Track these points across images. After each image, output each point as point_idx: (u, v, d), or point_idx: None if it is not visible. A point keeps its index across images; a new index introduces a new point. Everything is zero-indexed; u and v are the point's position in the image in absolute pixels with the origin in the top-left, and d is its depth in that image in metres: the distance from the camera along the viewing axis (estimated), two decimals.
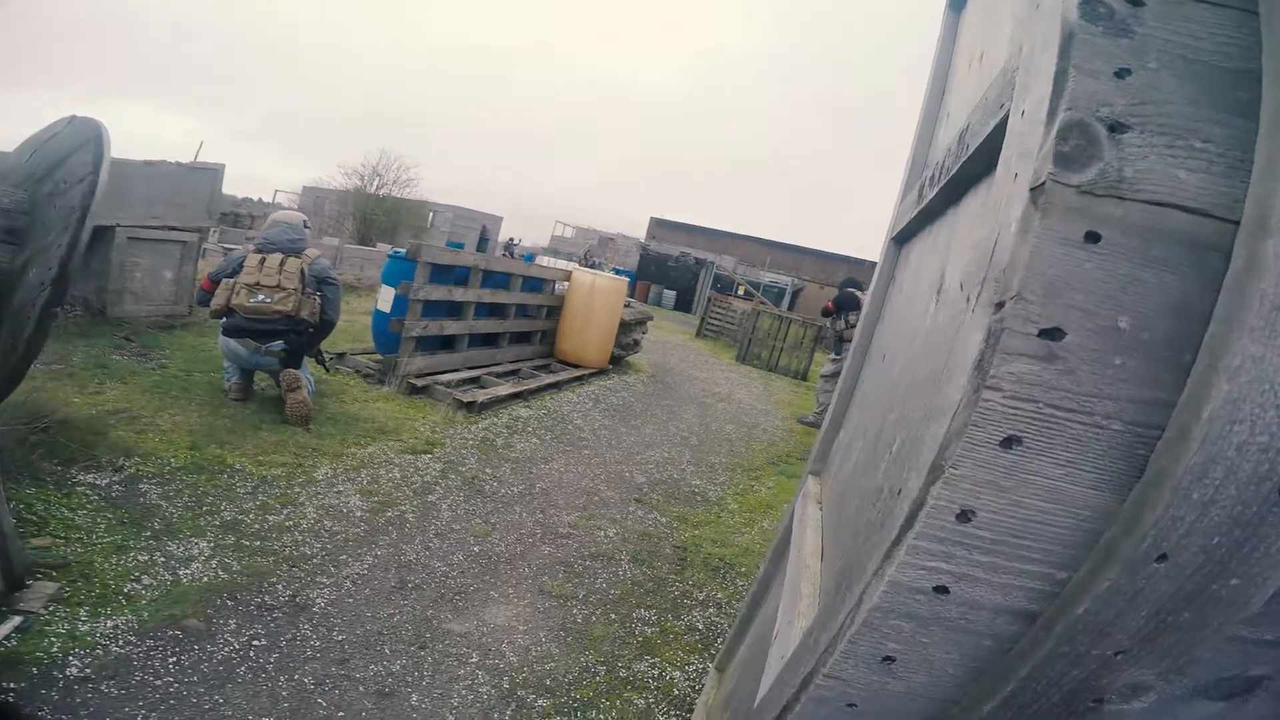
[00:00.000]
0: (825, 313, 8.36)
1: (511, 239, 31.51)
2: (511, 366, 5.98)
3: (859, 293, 7.62)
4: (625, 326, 7.59)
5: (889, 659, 0.62)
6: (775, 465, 5.09)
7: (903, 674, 0.63)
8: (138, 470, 2.73)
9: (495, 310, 5.83)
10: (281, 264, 3.73)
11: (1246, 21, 0.58)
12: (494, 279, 5.67)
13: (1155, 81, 0.54)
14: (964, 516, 0.56)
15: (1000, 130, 0.70)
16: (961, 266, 0.88)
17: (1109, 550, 0.53)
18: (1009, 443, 0.54)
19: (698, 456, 4.82)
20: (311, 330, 3.87)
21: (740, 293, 23.37)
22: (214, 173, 5.44)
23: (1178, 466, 0.49)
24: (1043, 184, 0.52)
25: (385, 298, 5.02)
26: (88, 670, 1.66)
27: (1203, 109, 0.54)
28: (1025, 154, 0.57)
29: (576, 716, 1.91)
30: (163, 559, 2.21)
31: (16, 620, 1.77)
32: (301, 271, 3.77)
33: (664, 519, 3.42)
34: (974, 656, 0.61)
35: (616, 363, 7.69)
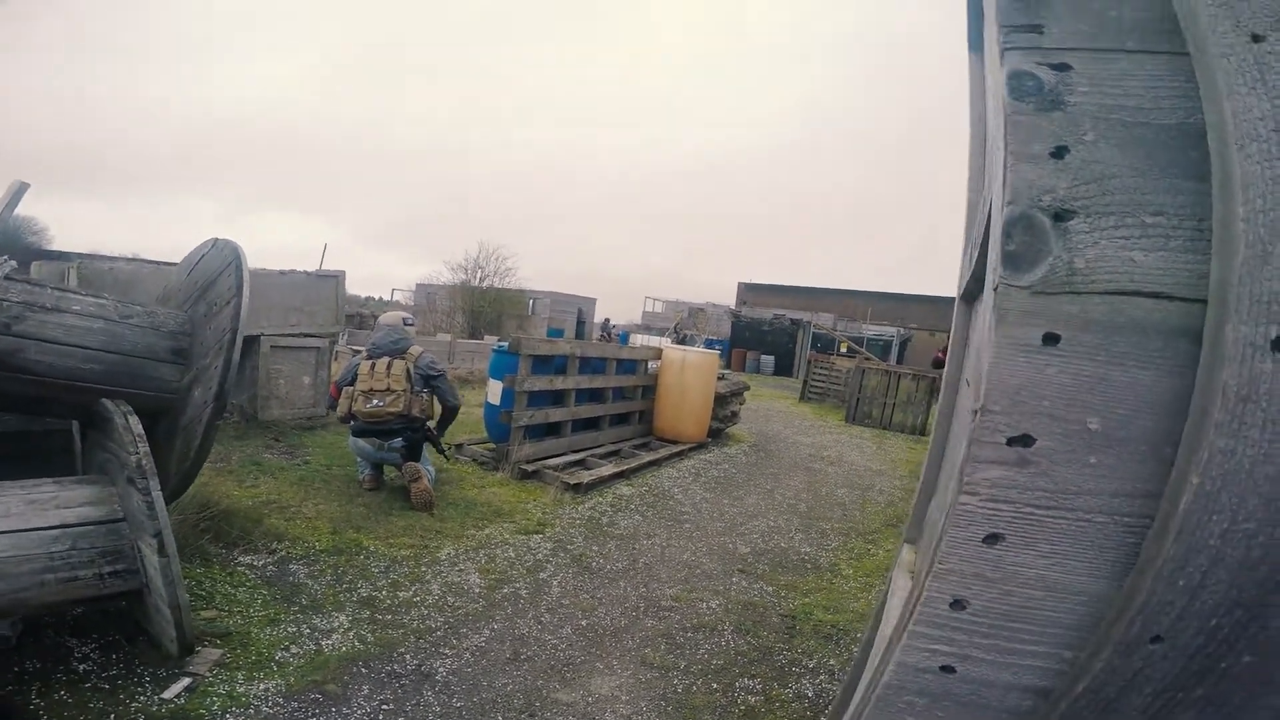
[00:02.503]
0: (936, 363, 7.98)
1: (607, 319, 32.63)
2: (613, 447, 6.17)
3: None
4: (721, 399, 7.65)
5: None
6: (894, 527, 4.85)
7: None
8: (288, 552, 3.10)
9: (594, 395, 6.10)
10: (389, 367, 4.13)
11: (1181, 66, 0.53)
12: (590, 365, 5.96)
13: (1095, 155, 0.50)
14: (958, 605, 0.59)
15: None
16: (973, 360, 0.91)
17: (1104, 633, 0.54)
18: (992, 539, 0.56)
19: (806, 523, 4.70)
20: (425, 425, 4.23)
21: (843, 350, 22.53)
22: (336, 279, 6.11)
23: (1159, 556, 0.49)
24: (996, 287, 0.52)
25: (494, 391, 5.42)
26: None
27: (1150, 178, 0.50)
28: (995, 255, 0.55)
29: None
30: (308, 630, 2.48)
31: (186, 681, 2.06)
32: (408, 371, 4.15)
33: (770, 588, 3.36)
34: None
35: (716, 435, 7.71)
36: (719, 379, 7.71)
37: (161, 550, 2.02)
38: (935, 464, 1.66)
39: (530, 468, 4.97)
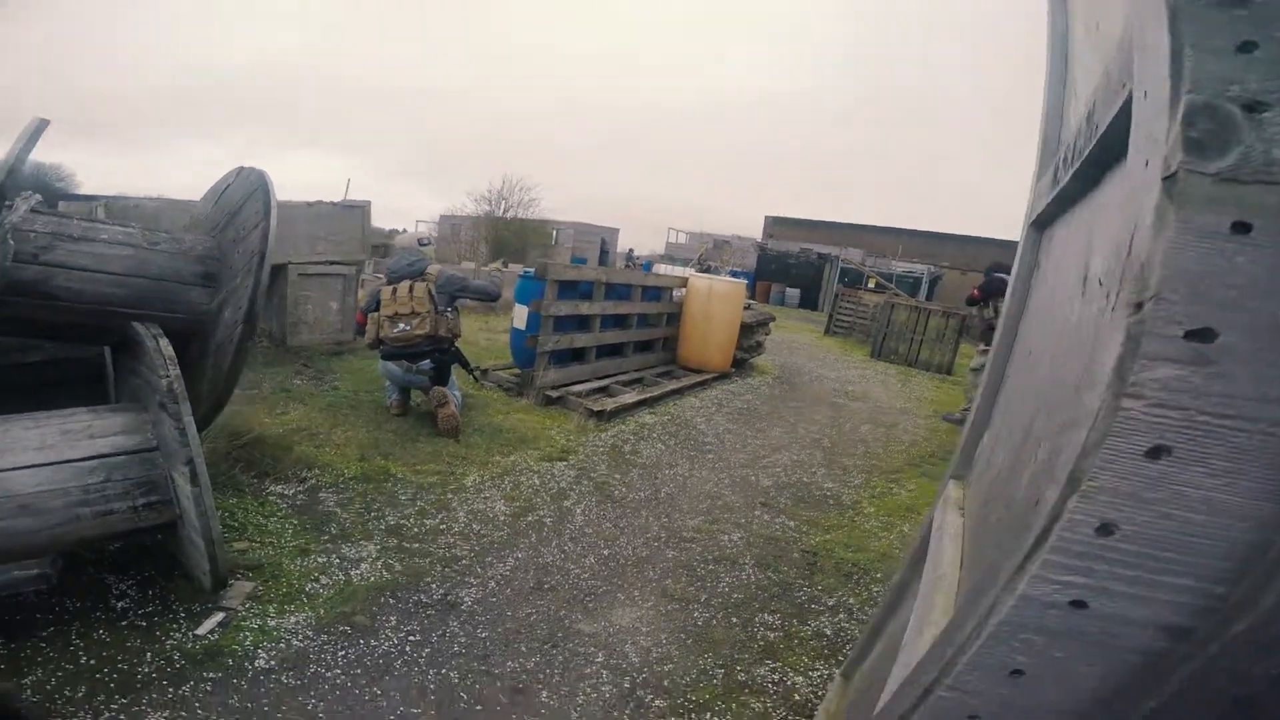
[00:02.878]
0: (971, 300, 7.74)
1: (630, 250, 32.17)
2: (637, 374, 6.15)
3: (1008, 277, 6.97)
4: (746, 329, 7.52)
5: (1018, 672, 0.60)
6: (917, 467, 4.81)
7: (1032, 688, 0.61)
8: (318, 480, 3.15)
9: (619, 321, 6.04)
10: (411, 289, 4.09)
11: None
12: (616, 291, 5.87)
13: None
14: (1105, 530, 0.53)
15: (1126, 112, 0.66)
16: (1103, 259, 0.82)
17: (1277, 562, 0.49)
18: (1156, 453, 0.51)
19: (829, 459, 4.68)
20: (453, 346, 4.23)
21: (871, 285, 22.10)
22: (362, 209, 6.06)
23: None
24: (1174, 174, 0.49)
25: (520, 315, 5.37)
26: (273, 662, 1.95)
27: None
28: (1154, 140, 0.54)
29: (691, 718, 1.95)
30: (338, 560, 2.53)
31: (220, 616, 2.11)
32: (429, 292, 4.12)
33: (792, 523, 3.37)
34: (1116, 672, 0.58)
35: (740, 365, 7.64)
36: (745, 309, 7.56)
37: (194, 479, 2.03)
38: (990, 398, 1.61)
39: (555, 394, 4.98)
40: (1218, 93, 0.48)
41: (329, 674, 1.94)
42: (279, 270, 5.21)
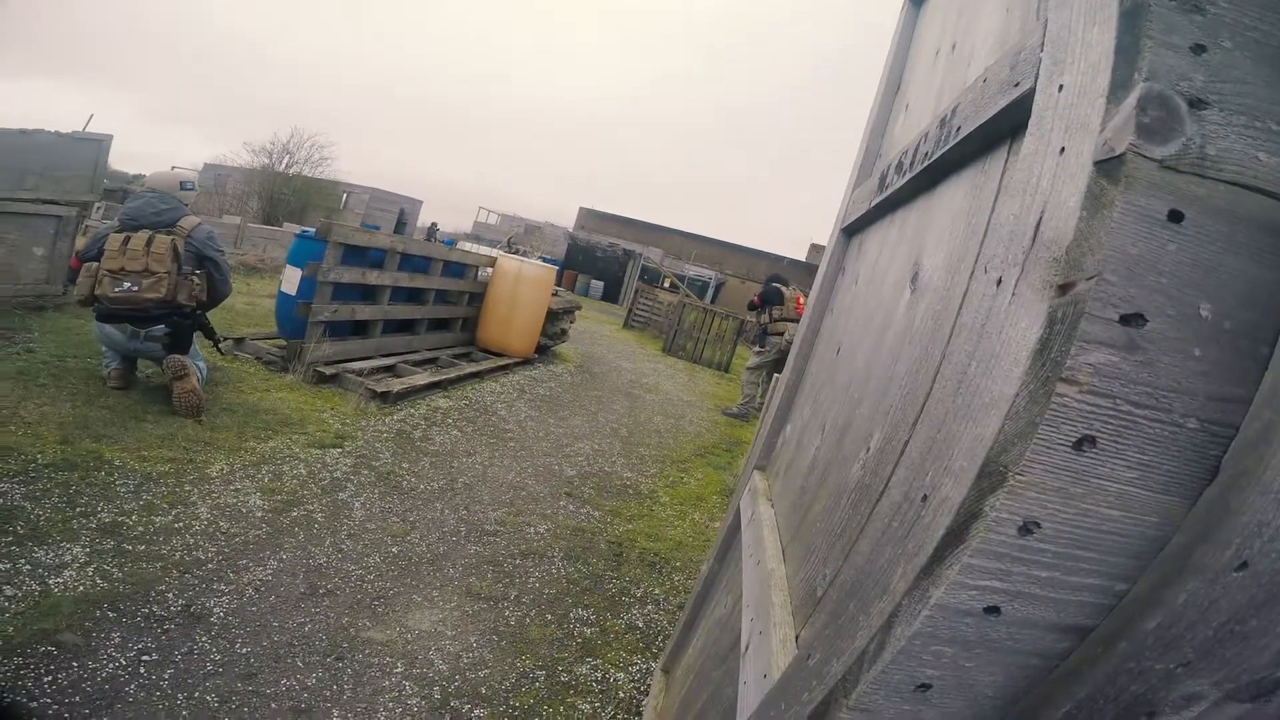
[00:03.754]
0: (751, 306, 8.58)
1: (433, 224, 30.51)
2: (429, 355, 5.73)
3: (783, 288, 7.88)
4: (553, 315, 7.46)
5: (924, 686, 0.57)
6: (703, 457, 5.14)
7: (938, 701, 0.58)
8: None
9: (413, 295, 5.57)
10: (149, 243, 3.28)
11: None
12: (412, 263, 5.41)
13: (1231, 60, 0.52)
14: (1026, 529, 0.50)
15: (1017, 107, 0.69)
16: (943, 254, 0.86)
17: (1183, 559, 0.49)
18: (1082, 444, 0.49)
19: (627, 448, 4.79)
20: (196, 311, 3.51)
21: (666, 285, 23.67)
22: (99, 144, 4.93)
23: (1262, 467, 0.46)
24: (1120, 155, 0.49)
25: (291, 279, 4.67)
26: None
27: (1278, 91, 0.52)
28: (1078, 126, 0.54)
29: None
30: (28, 567, 1.95)
31: None
32: (174, 248, 3.33)
33: (597, 513, 3.37)
34: (1018, 677, 0.57)
35: (543, 352, 7.55)
36: (552, 295, 7.47)
37: None
38: (790, 393, 1.70)
39: (329, 371, 4.40)
40: (1171, 85, 0.49)
41: (34, 704, 1.48)
42: None
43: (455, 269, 6.23)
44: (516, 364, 6.62)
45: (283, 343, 4.74)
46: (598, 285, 27.04)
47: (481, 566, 2.58)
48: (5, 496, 2.27)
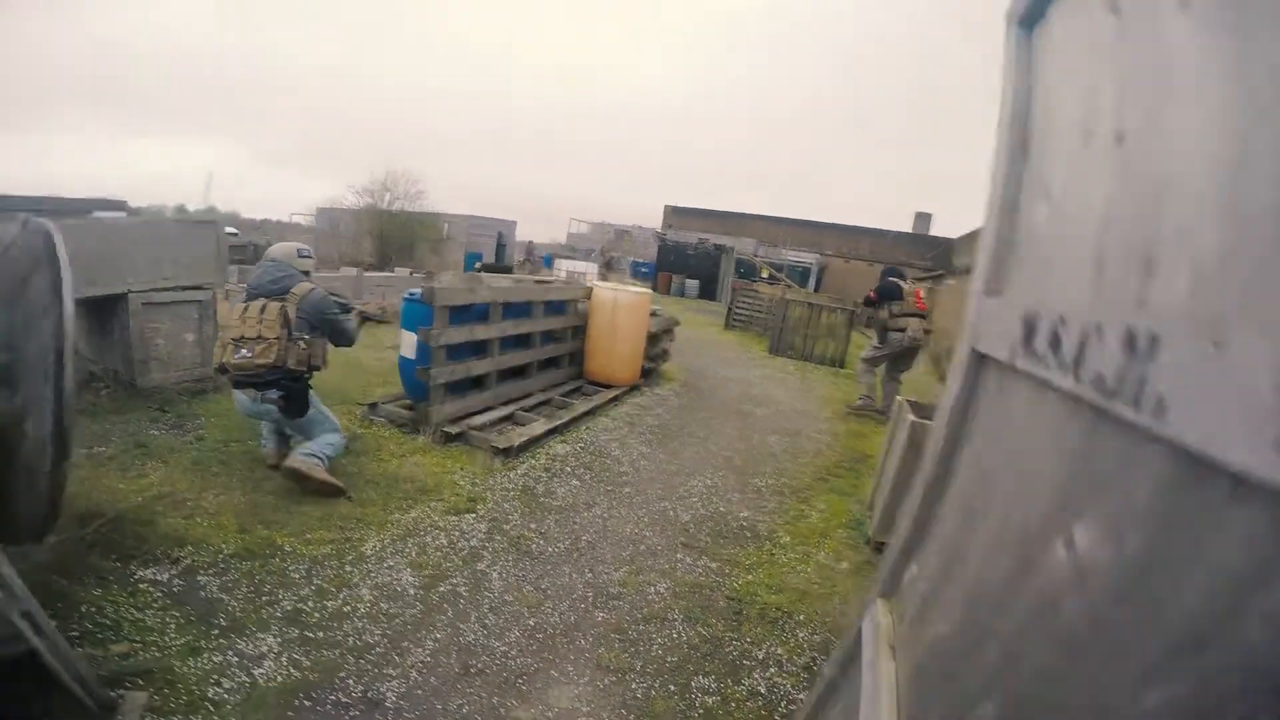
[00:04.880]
0: (868, 302, 8.40)
1: (530, 242, 31.88)
2: (543, 396, 6.11)
3: (901, 282, 7.68)
4: (653, 338, 7.67)
5: None
6: (825, 482, 5.14)
7: None
8: (193, 560, 2.91)
9: (520, 341, 5.94)
10: (263, 309, 3.66)
11: None
12: (515, 310, 5.76)
13: None
14: None
15: None
16: None
17: None
18: None
19: (742, 480, 4.89)
20: (307, 375, 3.82)
21: (764, 276, 23.34)
22: (214, 226, 5.55)
23: None
24: None
25: (408, 343, 5.13)
26: None
27: None
28: None
29: None
30: (236, 658, 2.37)
31: None
32: (284, 314, 3.68)
33: (714, 564, 3.51)
34: None
35: (648, 375, 7.77)
36: (650, 315, 7.67)
37: (38, 630, 1.80)
38: (924, 513, 1.42)
39: (454, 430, 4.84)
40: None
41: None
42: (117, 300, 4.71)
43: (556, 306, 6.57)
44: (624, 392, 6.89)
45: (410, 404, 5.24)
46: (693, 284, 27.20)
47: (609, 636, 2.80)
48: (206, 589, 2.74)
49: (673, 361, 8.90)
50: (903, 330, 7.49)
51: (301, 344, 3.71)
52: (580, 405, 6.03)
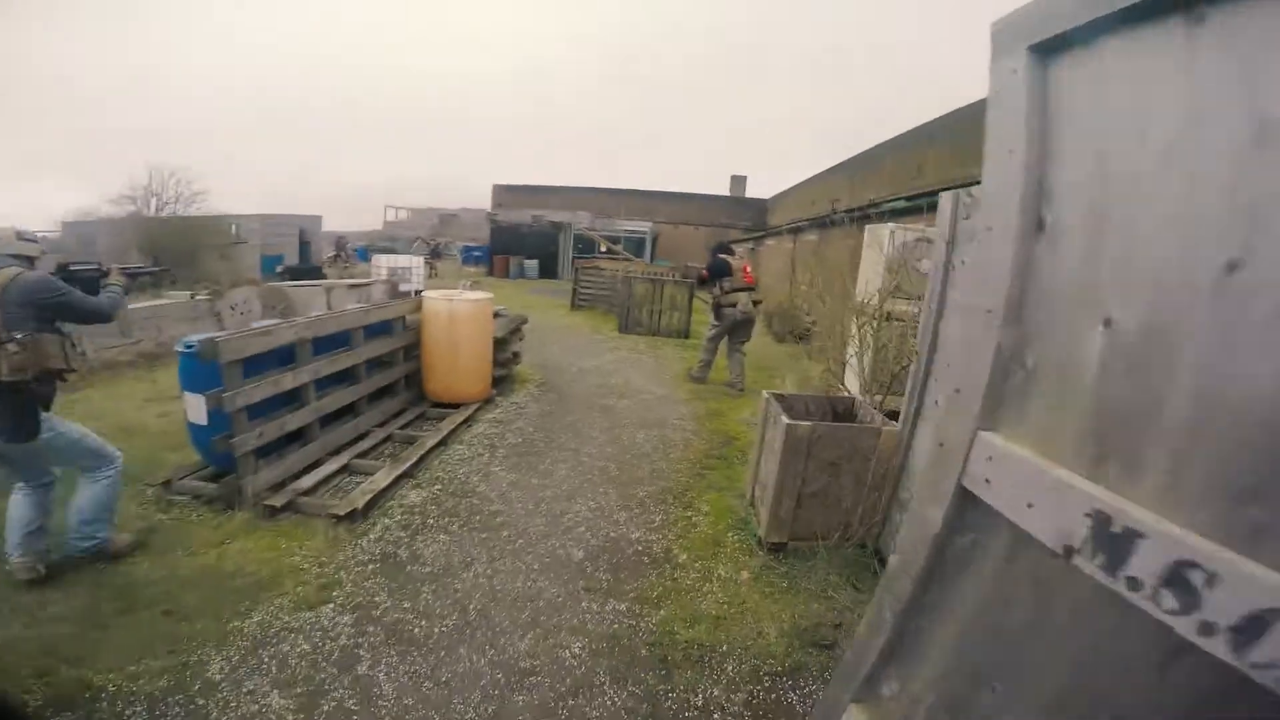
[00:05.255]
0: (700, 280, 8.74)
1: (340, 236, 29.37)
2: (382, 433, 5.44)
3: (729, 258, 7.98)
4: (500, 343, 7.19)
5: None
6: (701, 477, 5.09)
7: None
8: None
9: (343, 376, 5.19)
10: None
11: None
12: (329, 342, 4.97)
13: None
14: None
15: None
16: None
17: None
18: None
19: (624, 494, 4.69)
20: (32, 385, 2.98)
21: (603, 250, 23.46)
22: None
23: None
24: None
25: (196, 408, 4.16)
26: None
27: None
28: None
29: None
30: None
31: None
32: None
33: (623, 605, 3.27)
34: None
35: (500, 383, 7.32)
36: (494, 317, 7.15)
37: None
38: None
39: (278, 501, 4.04)
40: None
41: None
42: None
43: (380, 328, 5.84)
44: (477, 409, 6.38)
45: (214, 472, 4.37)
46: (532, 265, 26.61)
47: None
48: None
49: (526, 360, 8.48)
50: (734, 305, 7.82)
51: (12, 346, 2.89)
52: (429, 437, 5.42)
